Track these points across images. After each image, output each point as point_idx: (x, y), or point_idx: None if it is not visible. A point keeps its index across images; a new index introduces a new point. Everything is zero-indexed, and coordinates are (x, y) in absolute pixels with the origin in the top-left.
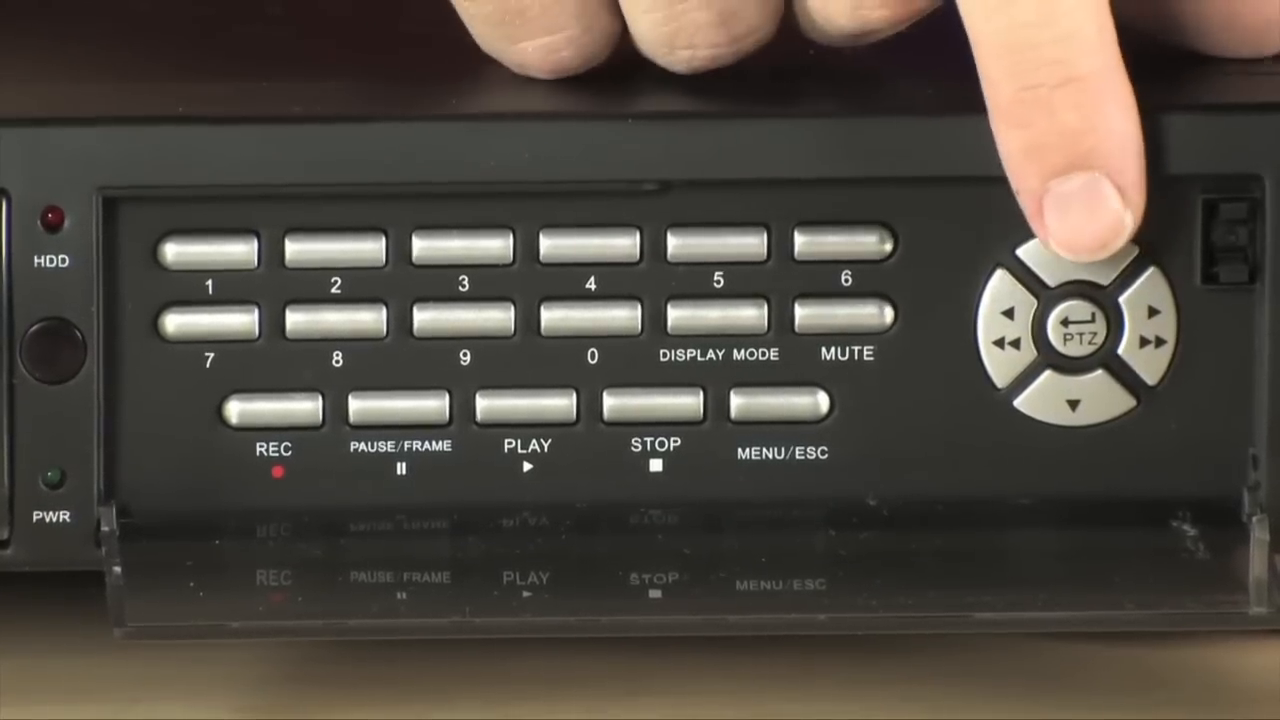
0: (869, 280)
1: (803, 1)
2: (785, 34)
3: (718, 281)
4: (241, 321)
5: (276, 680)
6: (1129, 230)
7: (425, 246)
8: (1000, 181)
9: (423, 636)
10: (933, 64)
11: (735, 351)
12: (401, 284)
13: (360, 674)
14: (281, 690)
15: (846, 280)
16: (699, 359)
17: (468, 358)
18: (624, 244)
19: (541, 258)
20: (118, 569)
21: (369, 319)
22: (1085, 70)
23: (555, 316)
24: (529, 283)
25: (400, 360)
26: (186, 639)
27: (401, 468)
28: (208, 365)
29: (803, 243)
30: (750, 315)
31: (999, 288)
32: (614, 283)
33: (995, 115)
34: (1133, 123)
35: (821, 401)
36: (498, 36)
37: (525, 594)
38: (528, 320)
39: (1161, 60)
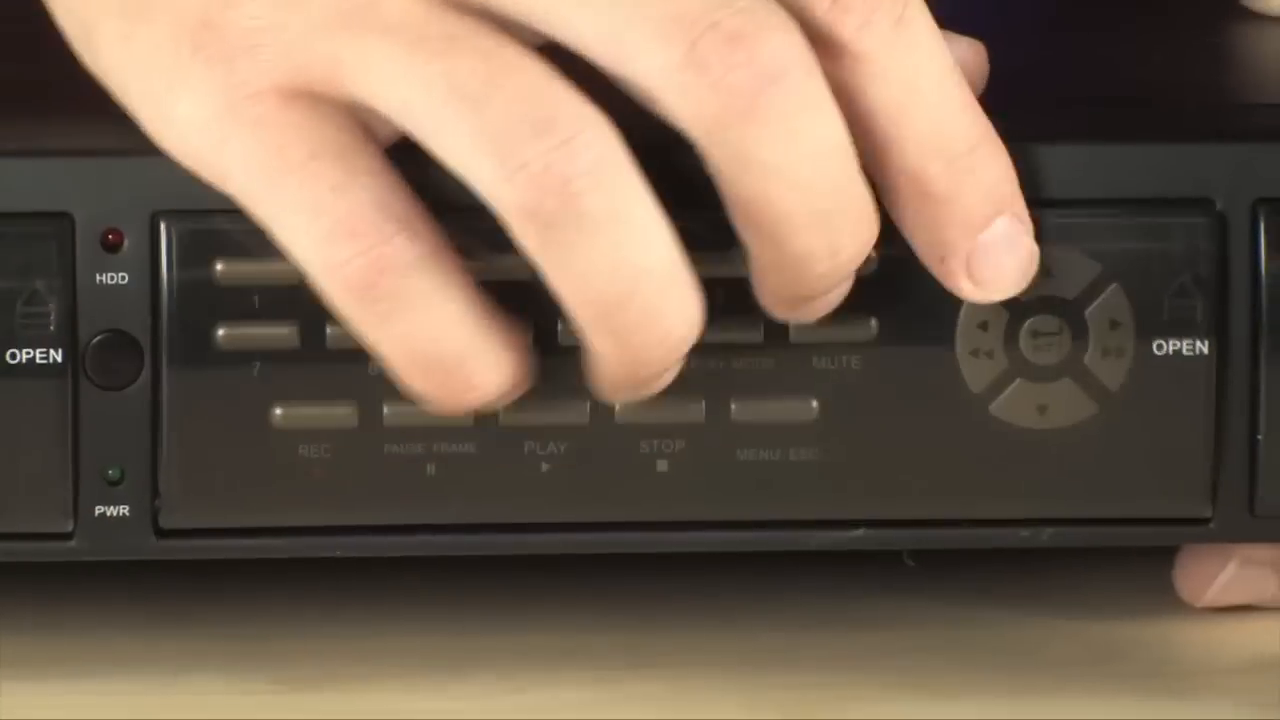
0: (856, 297)
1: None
2: None
3: (719, 298)
4: (285, 334)
5: (308, 654)
6: (1036, 255)
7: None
8: None
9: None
10: None
11: (734, 361)
12: None
13: (379, 647)
14: (313, 663)
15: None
16: (701, 368)
17: None
18: None
19: None
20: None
21: None
22: (983, 130)
23: (569, 332)
24: (550, 301)
25: None
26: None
27: (431, 468)
28: (255, 373)
29: None
30: (747, 328)
31: (974, 303)
32: None
33: (930, 202)
34: (1008, 160)
35: (812, 407)
36: None
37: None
38: (548, 335)
39: (1128, 98)
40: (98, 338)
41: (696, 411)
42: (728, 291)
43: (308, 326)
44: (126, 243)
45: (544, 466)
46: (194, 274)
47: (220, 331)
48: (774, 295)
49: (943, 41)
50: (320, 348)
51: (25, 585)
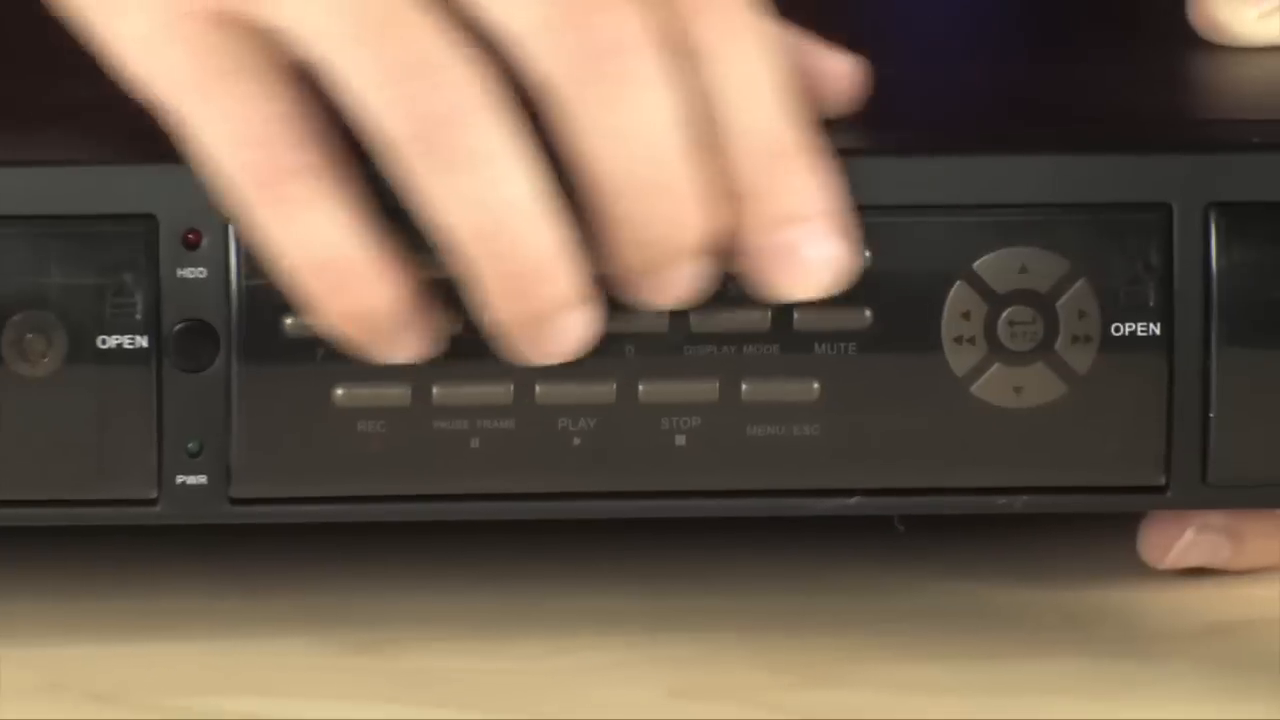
0: (854, 289)
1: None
2: None
3: (730, 291)
4: None
5: (369, 618)
6: (843, 262)
7: None
8: (957, 209)
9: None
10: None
11: (745, 347)
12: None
13: (431, 611)
14: (371, 627)
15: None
16: (715, 353)
17: None
18: None
19: None
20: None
21: (450, 320)
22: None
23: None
24: None
25: (474, 354)
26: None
27: (475, 442)
28: (318, 358)
29: None
30: (756, 317)
31: (958, 295)
32: None
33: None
34: (818, 170)
35: (814, 388)
36: None
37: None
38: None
39: (1090, 107)
40: (179, 326)
41: (711, 392)
42: (739, 285)
43: None
44: (205, 242)
45: (575, 441)
46: (264, 269)
47: (288, 321)
48: (617, 263)
49: (771, 53)
50: None
51: (109, 552)
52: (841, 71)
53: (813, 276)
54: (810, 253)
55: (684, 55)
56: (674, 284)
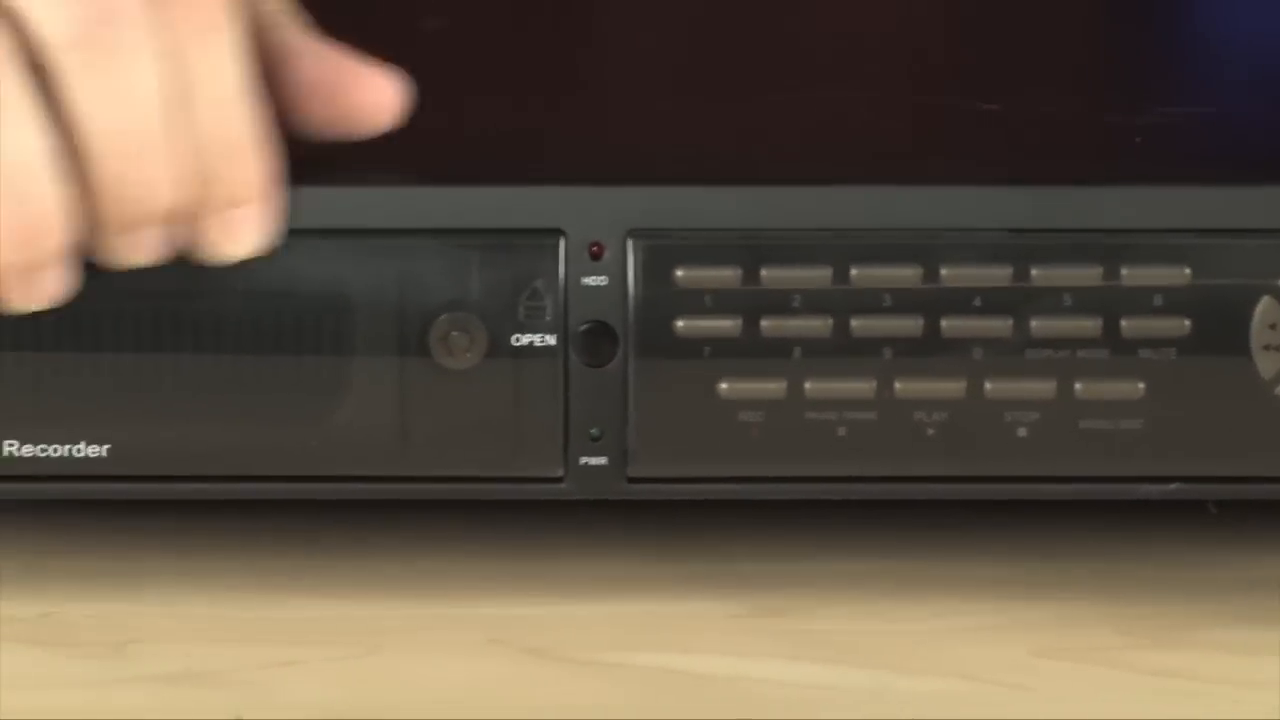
0: (1174, 302)
1: None
2: None
3: (1066, 301)
4: (729, 325)
5: (762, 582)
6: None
7: (859, 274)
8: (1265, 233)
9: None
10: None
11: (1078, 351)
12: (841, 300)
13: (818, 578)
14: (767, 592)
15: (1158, 302)
16: (1053, 356)
17: (889, 353)
18: (1001, 274)
19: (942, 282)
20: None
21: (819, 325)
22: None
23: (951, 325)
24: (932, 299)
25: (840, 354)
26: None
27: (842, 431)
28: (705, 356)
29: (1127, 274)
30: (1089, 325)
31: (1265, 308)
32: (993, 302)
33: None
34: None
35: (1139, 387)
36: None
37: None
38: (931, 327)
39: None
40: (583, 326)
41: (1049, 390)
42: (1075, 297)
43: (748, 320)
44: (606, 253)
45: (929, 431)
46: (658, 278)
47: (679, 323)
48: (96, 220)
49: (237, 57)
50: (757, 337)
51: (515, 528)
52: (379, 89)
53: (244, 245)
54: (246, 228)
55: (171, 44)
56: (140, 247)
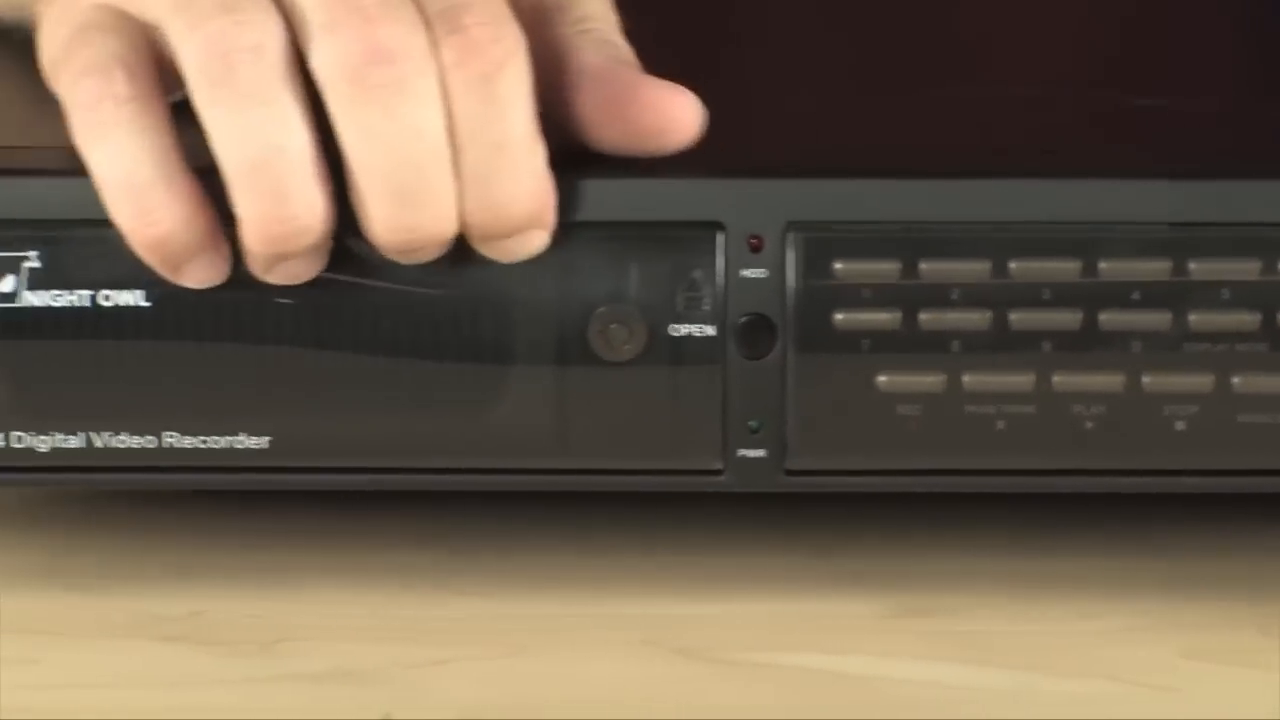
0: None
1: None
2: None
3: (1225, 295)
4: (888, 319)
5: (919, 582)
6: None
7: (1017, 267)
8: None
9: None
10: None
11: (1237, 345)
12: (1000, 293)
13: (967, 578)
14: (926, 592)
15: None
16: (1210, 350)
17: (1048, 347)
18: (1160, 267)
19: (1101, 276)
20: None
21: (977, 318)
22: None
23: (1110, 318)
24: (1091, 293)
25: (999, 347)
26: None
27: (1000, 424)
28: (864, 349)
29: None
30: (1247, 319)
31: None
32: (1151, 296)
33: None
34: (542, 198)
35: None
36: None
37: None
38: (1090, 321)
39: None
40: (742, 318)
41: (1207, 384)
42: (1233, 291)
43: (907, 313)
44: (766, 246)
45: (1087, 424)
46: (817, 271)
47: (837, 316)
48: (375, 241)
49: (526, 110)
50: (916, 330)
51: (666, 526)
52: (674, 109)
53: (524, 254)
54: (525, 252)
55: (457, 85)
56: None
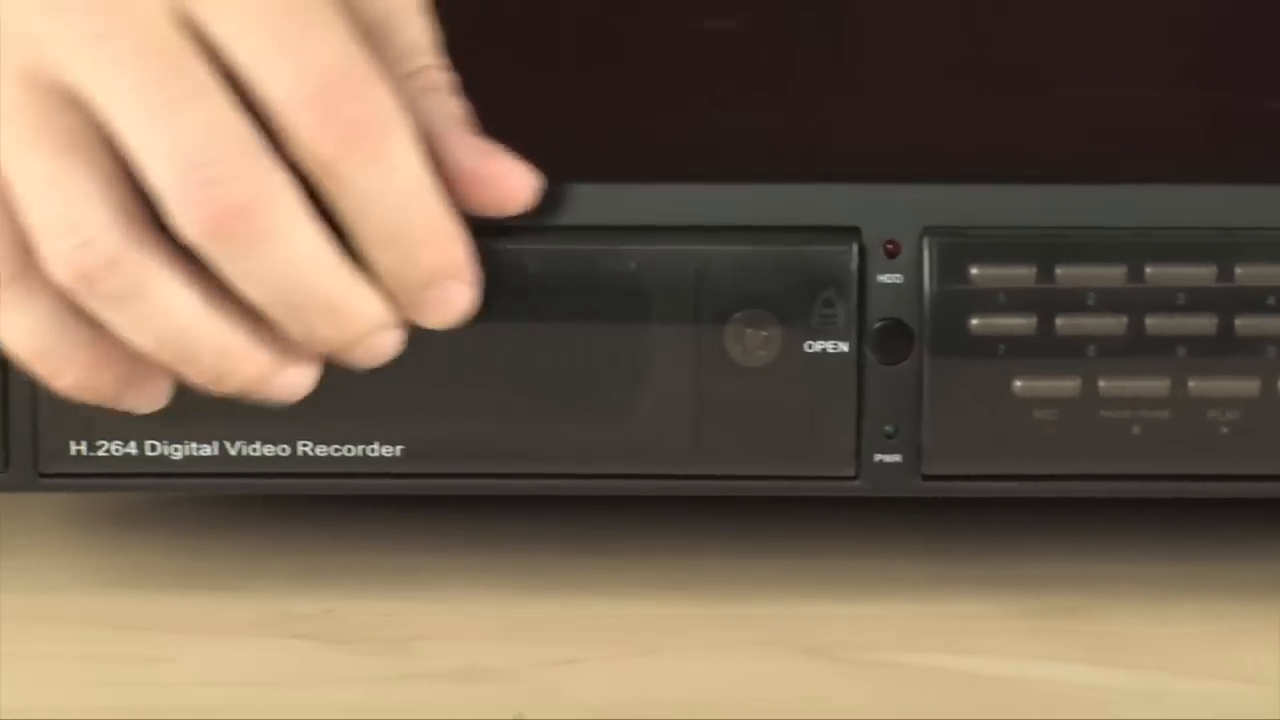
0: None
1: None
2: None
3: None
4: (1025, 324)
5: (1037, 584)
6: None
7: (1153, 272)
8: None
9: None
10: None
11: None
12: (1136, 298)
13: (1102, 579)
14: (1044, 594)
15: None
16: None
17: (1183, 352)
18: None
19: (1236, 281)
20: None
21: (1113, 323)
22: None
23: (1246, 324)
24: (1226, 298)
25: (1134, 352)
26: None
27: (1136, 429)
28: (1000, 354)
29: None
30: None
31: None
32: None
33: (388, 277)
34: (450, 251)
35: None
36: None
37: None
38: (1225, 326)
39: None
40: (879, 324)
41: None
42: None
43: (1044, 318)
44: (903, 251)
45: (1223, 430)
46: (954, 276)
47: (973, 321)
48: (393, 296)
49: (418, 166)
50: (1052, 335)
51: (797, 527)
52: (518, 180)
53: (449, 316)
54: (446, 300)
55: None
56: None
